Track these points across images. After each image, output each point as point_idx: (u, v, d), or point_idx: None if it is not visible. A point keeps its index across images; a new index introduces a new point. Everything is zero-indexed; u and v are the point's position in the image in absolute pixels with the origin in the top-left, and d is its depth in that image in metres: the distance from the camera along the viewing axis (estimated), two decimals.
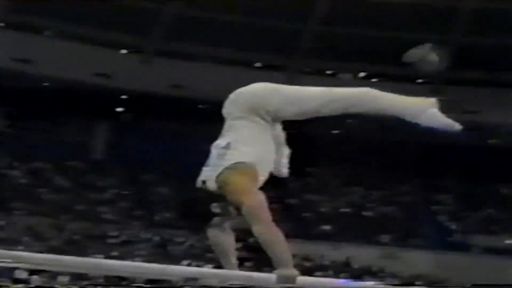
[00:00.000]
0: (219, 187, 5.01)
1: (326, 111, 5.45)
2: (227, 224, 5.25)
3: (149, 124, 33.46)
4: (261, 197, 4.97)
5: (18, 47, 29.86)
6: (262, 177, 5.19)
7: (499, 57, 30.90)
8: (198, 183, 5.15)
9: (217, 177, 5.02)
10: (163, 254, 26.61)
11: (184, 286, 4.80)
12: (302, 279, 4.86)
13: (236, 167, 5.01)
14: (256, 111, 5.24)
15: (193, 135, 32.28)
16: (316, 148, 33.62)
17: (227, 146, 5.10)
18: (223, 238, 5.32)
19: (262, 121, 5.24)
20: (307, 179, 34.00)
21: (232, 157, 5.04)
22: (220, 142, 5.17)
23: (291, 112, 5.32)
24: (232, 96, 5.38)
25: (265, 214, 4.92)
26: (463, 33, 30.69)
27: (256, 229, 4.87)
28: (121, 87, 32.05)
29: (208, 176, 5.08)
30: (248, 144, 5.12)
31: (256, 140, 5.18)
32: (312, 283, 5.03)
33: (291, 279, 4.79)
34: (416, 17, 29.78)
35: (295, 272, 4.82)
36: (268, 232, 4.89)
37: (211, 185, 5.05)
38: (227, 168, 5.01)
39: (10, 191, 30.00)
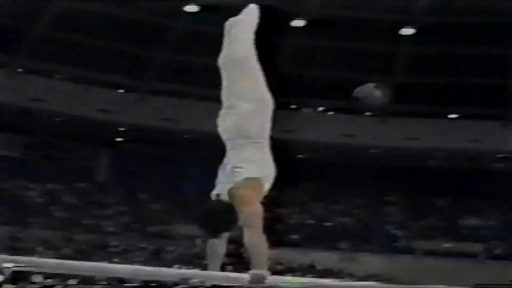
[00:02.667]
0: (230, 199, 5.06)
1: None
2: (226, 234, 5.25)
3: (143, 151, 33.37)
4: (260, 208, 5.14)
5: (34, 88, 29.79)
6: (266, 190, 5.32)
7: (433, 93, 31.34)
8: (213, 196, 5.17)
9: (230, 190, 5.07)
10: (156, 260, 26.45)
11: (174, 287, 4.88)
12: (271, 278, 4.93)
13: (247, 181, 5.09)
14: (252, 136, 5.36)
15: (180, 161, 32.39)
16: (284, 170, 33.65)
17: (238, 165, 5.15)
18: (219, 245, 5.29)
19: (259, 143, 5.39)
20: (278, 195, 33.92)
21: (242, 174, 5.11)
22: (230, 161, 5.22)
23: None
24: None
25: (259, 222, 5.06)
26: (401, 73, 30.98)
27: (248, 233, 4.98)
28: (119, 121, 31.98)
29: (222, 189, 5.12)
30: (254, 162, 5.20)
31: (259, 159, 5.28)
32: (279, 281, 5.10)
33: (261, 278, 4.86)
34: (362, 61, 30.10)
35: (266, 272, 4.89)
36: (257, 237, 5.01)
37: (224, 197, 5.09)
38: (239, 183, 5.07)
39: (27, 209, 29.78)
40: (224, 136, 5.38)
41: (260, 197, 5.19)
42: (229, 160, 5.25)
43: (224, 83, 5.39)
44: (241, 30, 5.44)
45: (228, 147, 5.34)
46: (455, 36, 29.33)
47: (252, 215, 5.06)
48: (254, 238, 5.00)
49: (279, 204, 34.06)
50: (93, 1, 28.18)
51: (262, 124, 5.58)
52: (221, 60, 5.42)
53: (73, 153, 33.56)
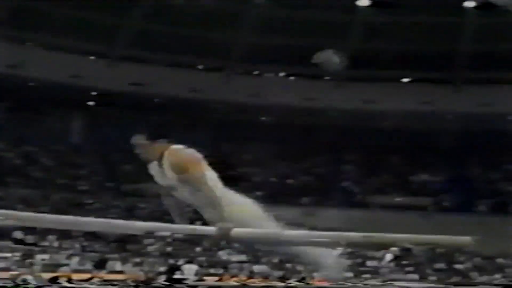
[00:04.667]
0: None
1: None
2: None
3: (114, 114, 33.10)
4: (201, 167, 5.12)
5: (7, 55, 29.33)
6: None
7: (387, 59, 31.62)
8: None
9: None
10: (130, 217, 26.51)
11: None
12: (236, 231, 5.01)
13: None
14: None
15: (150, 123, 32.27)
16: (250, 132, 33.86)
17: None
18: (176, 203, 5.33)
19: None
20: (244, 155, 34.12)
21: None
22: None
23: None
24: None
25: (206, 179, 5.08)
26: (358, 40, 31.15)
27: (205, 190, 5.02)
28: (91, 86, 31.75)
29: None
30: None
31: None
32: (244, 234, 5.19)
33: (227, 230, 4.95)
34: (322, 28, 30.18)
35: (231, 225, 4.97)
36: (211, 192, 5.05)
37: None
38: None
39: (6, 169, 29.52)
40: None
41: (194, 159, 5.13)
42: None
43: None
44: None
45: None
46: (407, 4, 29.63)
47: (197, 175, 5.05)
48: (210, 194, 5.02)
49: (245, 164, 34.28)
50: None
51: None
52: None
53: (47, 116, 33.23)
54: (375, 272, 24.53)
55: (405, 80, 34.24)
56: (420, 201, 32.09)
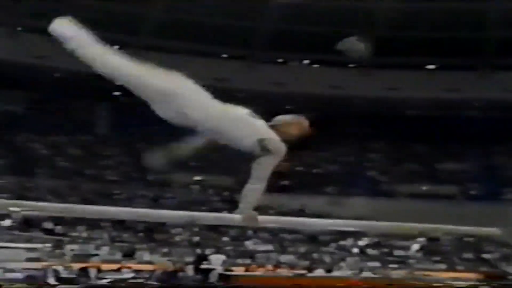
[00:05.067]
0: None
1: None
2: None
3: (140, 104, 33.12)
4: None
5: (34, 45, 29.55)
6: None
7: (412, 46, 31.27)
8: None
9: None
10: (156, 206, 26.61)
11: None
12: (262, 218, 4.98)
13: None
14: None
15: None
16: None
17: None
18: None
19: None
20: None
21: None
22: None
23: None
24: None
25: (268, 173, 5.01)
26: (383, 27, 30.84)
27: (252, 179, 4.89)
28: None
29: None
30: None
31: None
32: (270, 221, 5.14)
33: (254, 217, 4.89)
34: (347, 16, 29.92)
35: (256, 213, 4.90)
36: (258, 186, 4.95)
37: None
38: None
39: (34, 160, 29.77)
40: None
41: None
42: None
43: None
44: None
45: None
46: None
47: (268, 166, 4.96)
48: (255, 186, 4.90)
49: None
50: None
51: None
52: None
53: (74, 107, 33.43)
54: (402, 262, 24.37)
55: (431, 67, 33.86)
56: (447, 189, 31.80)
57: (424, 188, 31.89)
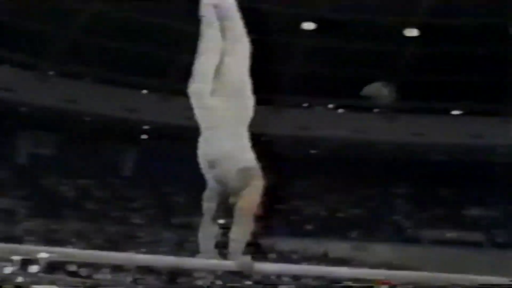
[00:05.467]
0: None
1: None
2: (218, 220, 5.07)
3: (166, 147, 33.36)
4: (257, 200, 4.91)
5: (64, 90, 30.05)
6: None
7: (437, 90, 31.18)
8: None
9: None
10: (180, 250, 26.52)
11: None
12: (258, 265, 4.78)
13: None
14: None
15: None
16: (299, 165, 33.68)
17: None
18: (211, 229, 5.07)
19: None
20: (294, 189, 33.94)
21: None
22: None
23: None
24: None
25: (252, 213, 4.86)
26: (408, 72, 30.83)
27: (240, 222, 4.76)
28: (143, 120, 32.09)
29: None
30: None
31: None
32: (266, 268, 4.97)
33: (250, 265, 4.70)
34: (372, 61, 29.97)
35: (251, 259, 4.73)
36: (247, 227, 4.79)
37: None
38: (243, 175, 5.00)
39: (61, 203, 29.96)
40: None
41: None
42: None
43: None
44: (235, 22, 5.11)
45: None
46: (456, 36, 29.23)
47: (253, 204, 4.84)
48: (243, 228, 4.77)
49: (294, 197, 34.08)
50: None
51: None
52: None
53: (101, 150, 33.73)
54: None
55: (456, 112, 33.71)
56: (473, 236, 31.30)
57: (450, 234, 31.42)
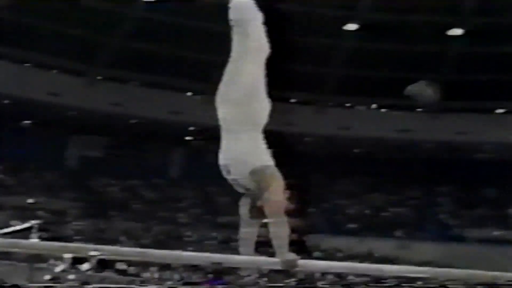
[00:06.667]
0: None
1: None
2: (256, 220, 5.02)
3: (211, 148, 33.55)
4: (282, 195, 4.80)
5: (112, 94, 30.49)
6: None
7: (481, 89, 30.68)
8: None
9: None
10: (226, 249, 26.64)
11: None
12: (302, 262, 4.72)
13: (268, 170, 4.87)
14: None
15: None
16: (342, 163, 33.56)
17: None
18: (250, 231, 5.06)
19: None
20: (337, 188, 33.84)
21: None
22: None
23: None
24: None
25: (283, 210, 4.76)
26: (452, 71, 30.44)
27: (274, 221, 4.70)
28: (188, 122, 32.30)
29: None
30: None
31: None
32: (311, 265, 4.93)
33: (294, 262, 4.67)
34: (415, 59, 29.68)
35: (296, 256, 4.67)
36: (282, 224, 4.71)
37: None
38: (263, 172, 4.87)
39: (109, 203, 30.41)
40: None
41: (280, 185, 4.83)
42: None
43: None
44: (253, 23, 5.01)
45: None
46: (500, 35, 28.74)
47: (278, 203, 4.74)
48: (279, 226, 4.71)
49: (338, 197, 33.94)
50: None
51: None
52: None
53: (148, 152, 34.11)
54: None
55: (500, 111, 33.13)
56: None
57: (495, 233, 30.89)
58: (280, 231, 4.72)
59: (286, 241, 4.69)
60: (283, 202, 4.75)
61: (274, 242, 4.70)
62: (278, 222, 4.72)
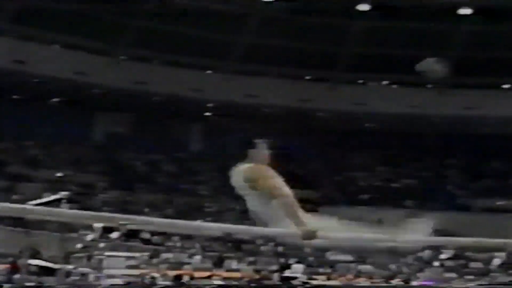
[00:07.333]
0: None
1: None
2: None
3: (229, 124, 33.55)
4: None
5: (136, 73, 30.59)
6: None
7: (487, 65, 30.41)
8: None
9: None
10: (244, 219, 26.75)
11: None
12: (322, 234, 4.79)
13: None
14: None
15: (258, 132, 32.45)
16: (355, 138, 33.53)
17: None
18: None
19: None
20: (350, 161, 33.84)
21: None
22: None
23: None
24: None
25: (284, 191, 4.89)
26: (460, 48, 30.16)
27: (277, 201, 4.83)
28: (207, 98, 32.34)
29: None
30: None
31: None
32: (328, 236, 4.98)
33: (313, 233, 4.75)
34: (425, 38, 29.47)
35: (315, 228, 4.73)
36: (286, 201, 4.84)
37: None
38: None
39: (134, 177, 30.63)
40: None
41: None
42: None
43: None
44: None
45: None
46: (508, 13, 28.43)
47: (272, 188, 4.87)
48: (284, 204, 4.81)
49: (351, 168, 33.96)
50: None
51: None
52: None
53: (170, 127, 34.22)
54: (478, 274, 23.56)
55: (506, 86, 32.84)
56: None
57: (500, 203, 30.79)
58: (287, 211, 4.76)
59: (298, 217, 4.72)
60: (276, 184, 4.86)
61: (289, 221, 4.74)
62: (281, 203, 4.77)
